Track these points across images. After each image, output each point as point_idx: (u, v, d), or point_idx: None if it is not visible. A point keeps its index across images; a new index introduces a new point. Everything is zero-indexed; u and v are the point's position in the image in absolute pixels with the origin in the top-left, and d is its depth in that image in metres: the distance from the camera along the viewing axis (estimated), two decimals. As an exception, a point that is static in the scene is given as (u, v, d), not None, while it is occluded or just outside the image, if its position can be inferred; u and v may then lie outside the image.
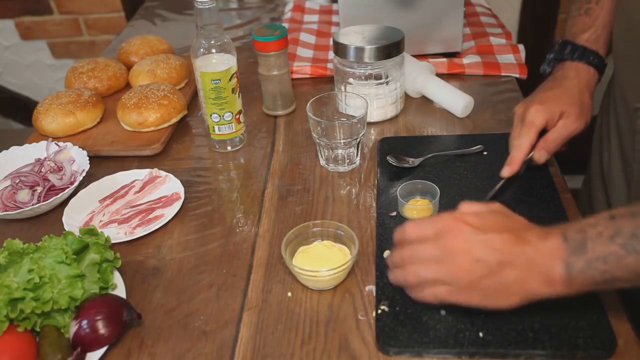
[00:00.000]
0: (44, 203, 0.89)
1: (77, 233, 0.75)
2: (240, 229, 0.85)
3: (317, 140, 0.93)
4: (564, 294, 0.59)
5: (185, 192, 0.91)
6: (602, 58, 0.91)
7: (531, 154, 0.85)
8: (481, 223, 0.61)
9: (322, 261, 0.73)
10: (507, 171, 0.84)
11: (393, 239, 0.68)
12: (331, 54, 1.23)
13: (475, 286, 0.60)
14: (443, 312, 0.67)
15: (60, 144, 1.00)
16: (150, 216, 0.88)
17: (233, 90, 0.97)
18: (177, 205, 0.89)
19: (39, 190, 0.93)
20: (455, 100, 1.05)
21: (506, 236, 0.60)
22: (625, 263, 0.55)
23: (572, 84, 0.89)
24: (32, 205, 0.90)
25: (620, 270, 0.56)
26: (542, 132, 0.86)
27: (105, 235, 0.76)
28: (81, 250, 0.73)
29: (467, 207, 0.64)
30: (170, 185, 0.93)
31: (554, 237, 0.59)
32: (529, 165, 0.87)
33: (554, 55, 0.94)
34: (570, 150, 0.99)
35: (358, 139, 0.93)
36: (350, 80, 1.04)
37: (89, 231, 0.75)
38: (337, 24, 1.44)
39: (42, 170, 0.96)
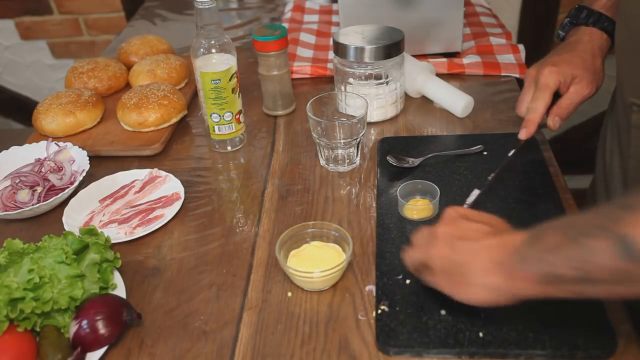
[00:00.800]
0: (44, 203, 0.89)
1: (77, 233, 0.75)
2: (240, 229, 0.85)
3: (317, 140, 0.93)
4: (518, 294, 0.56)
5: (185, 192, 0.91)
6: (613, 24, 0.90)
7: (544, 120, 0.87)
8: (474, 215, 0.64)
9: (317, 262, 0.73)
10: (524, 134, 0.86)
11: None
12: (331, 54, 1.23)
13: (444, 269, 0.61)
14: (443, 312, 0.67)
15: (60, 144, 1.00)
16: (150, 216, 0.88)
17: (233, 90, 0.97)
18: (177, 205, 0.89)
19: (39, 190, 0.93)
20: (455, 100, 1.05)
21: (486, 227, 0.62)
22: (563, 252, 0.51)
23: (585, 47, 0.89)
24: (32, 205, 0.90)
25: (558, 259, 0.51)
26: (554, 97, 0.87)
27: (105, 235, 0.76)
28: (81, 250, 0.73)
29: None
30: (170, 185, 0.93)
31: (522, 233, 0.57)
32: (541, 129, 0.88)
33: (569, 20, 0.94)
34: (572, 150, 0.99)
35: (358, 139, 0.93)
36: (350, 80, 1.04)
37: (89, 231, 0.75)
38: (337, 24, 1.44)
39: (42, 170, 0.96)
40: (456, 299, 0.61)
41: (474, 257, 0.59)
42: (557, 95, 0.89)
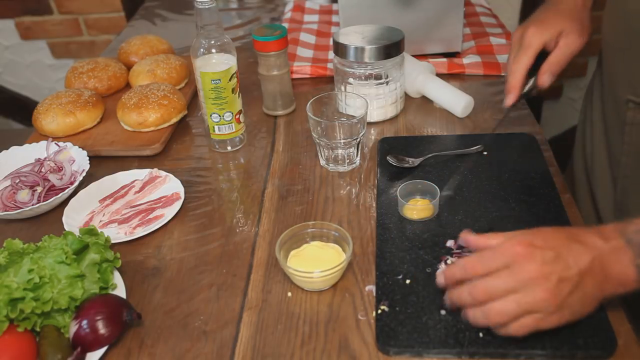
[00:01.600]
0: (44, 203, 0.89)
1: (77, 233, 0.75)
2: (240, 229, 0.85)
3: (317, 140, 0.93)
4: (633, 290, 0.59)
5: (185, 192, 0.91)
6: None
7: (534, 80, 0.84)
8: (543, 241, 0.59)
9: (317, 262, 0.73)
10: (509, 99, 0.83)
11: (445, 277, 0.64)
12: (331, 54, 1.23)
13: (563, 306, 0.58)
14: (443, 312, 0.67)
15: (60, 144, 1.00)
16: (150, 216, 0.88)
17: (233, 90, 0.97)
18: (177, 205, 0.89)
19: (39, 190, 0.93)
20: (455, 100, 1.05)
21: (573, 246, 0.59)
22: None
23: (569, 4, 0.87)
24: (32, 205, 0.89)
25: None
26: (544, 57, 0.85)
27: (105, 235, 0.76)
28: (81, 250, 0.73)
29: (517, 233, 0.62)
30: (170, 185, 0.93)
31: (614, 239, 0.59)
32: (533, 92, 0.85)
33: None
34: (572, 150, 0.98)
35: (358, 139, 0.93)
36: (350, 80, 1.04)
37: (89, 231, 0.75)
38: (337, 24, 1.44)
39: (42, 170, 0.96)
40: (564, 323, 0.60)
41: (594, 277, 0.58)
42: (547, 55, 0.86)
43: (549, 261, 0.57)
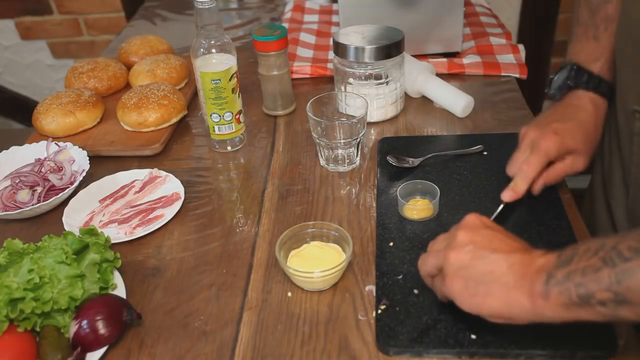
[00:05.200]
0: (44, 203, 0.89)
1: (77, 233, 0.75)
2: (240, 229, 0.85)
3: (317, 140, 0.93)
4: (540, 313, 0.55)
5: (185, 192, 0.91)
6: (611, 90, 0.87)
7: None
8: (496, 227, 0.62)
9: (317, 262, 0.73)
10: (508, 196, 0.80)
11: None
12: (331, 54, 1.23)
13: (459, 273, 0.59)
14: (443, 312, 0.67)
15: (60, 144, 1.00)
16: (150, 216, 0.88)
17: (233, 90, 0.97)
18: (177, 205, 0.89)
19: (39, 190, 0.93)
20: (455, 100, 1.05)
21: (511, 242, 0.60)
22: (599, 275, 0.51)
23: (588, 118, 0.84)
24: (32, 205, 0.90)
25: (594, 284, 0.51)
26: None
27: (105, 235, 0.76)
28: (81, 250, 0.73)
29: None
30: (170, 185, 0.93)
31: (551, 254, 0.57)
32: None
33: (569, 82, 0.88)
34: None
35: (358, 139, 0.93)
36: (350, 80, 1.04)
37: (89, 231, 0.75)
38: (337, 24, 1.44)
39: (42, 170, 0.96)
40: (465, 308, 0.60)
41: (498, 269, 0.57)
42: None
43: (477, 232, 0.61)
